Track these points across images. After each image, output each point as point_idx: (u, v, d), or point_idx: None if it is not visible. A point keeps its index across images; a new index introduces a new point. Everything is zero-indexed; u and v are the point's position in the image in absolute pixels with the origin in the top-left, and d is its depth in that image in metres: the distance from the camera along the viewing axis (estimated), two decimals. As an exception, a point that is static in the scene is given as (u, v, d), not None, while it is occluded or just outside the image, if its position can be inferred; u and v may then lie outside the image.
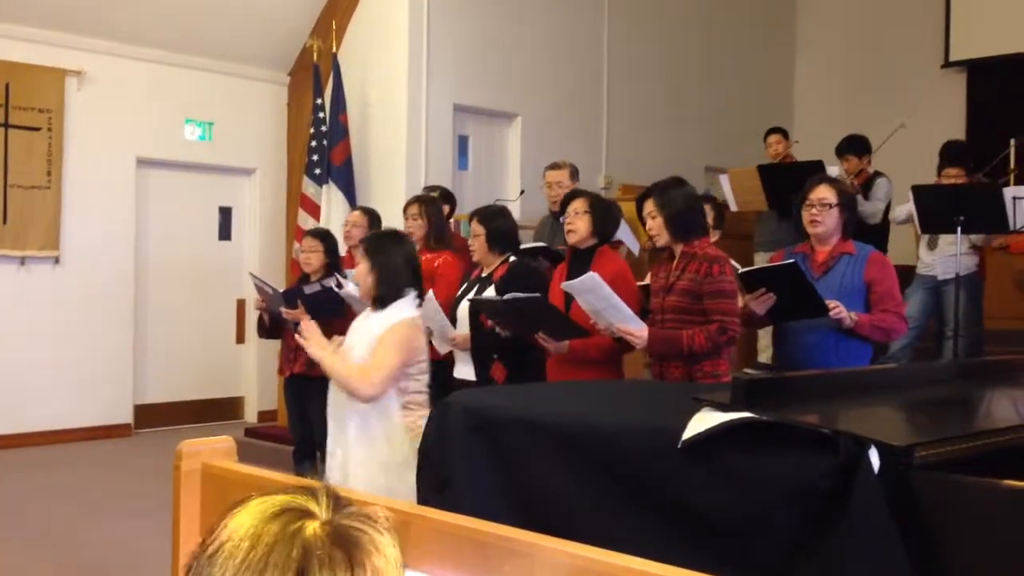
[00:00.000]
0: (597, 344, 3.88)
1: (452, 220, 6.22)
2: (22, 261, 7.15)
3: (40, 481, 6.13)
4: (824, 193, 3.68)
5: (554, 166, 5.59)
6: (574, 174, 5.51)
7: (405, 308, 3.36)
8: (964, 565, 1.62)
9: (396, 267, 3.37)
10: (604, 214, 4.09)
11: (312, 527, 0.89)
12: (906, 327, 3.76)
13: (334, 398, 3.43)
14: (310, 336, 3.35)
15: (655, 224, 3.68)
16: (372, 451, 3.29)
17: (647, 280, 4.06)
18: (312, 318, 4.91)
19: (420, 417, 3.22)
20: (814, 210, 3.68)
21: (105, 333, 7.47)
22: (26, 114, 7.10)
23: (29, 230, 7.13)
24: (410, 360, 3.34)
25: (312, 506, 0.92)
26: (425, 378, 3.43)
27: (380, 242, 3.49)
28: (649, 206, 3.70)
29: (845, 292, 3.58)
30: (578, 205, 4.08)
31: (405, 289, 3.38)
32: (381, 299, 3.37)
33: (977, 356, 5.92)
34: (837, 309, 3.50)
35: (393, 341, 3.27)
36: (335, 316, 5.08)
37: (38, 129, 7.16)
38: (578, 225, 4.04)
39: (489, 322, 4.21)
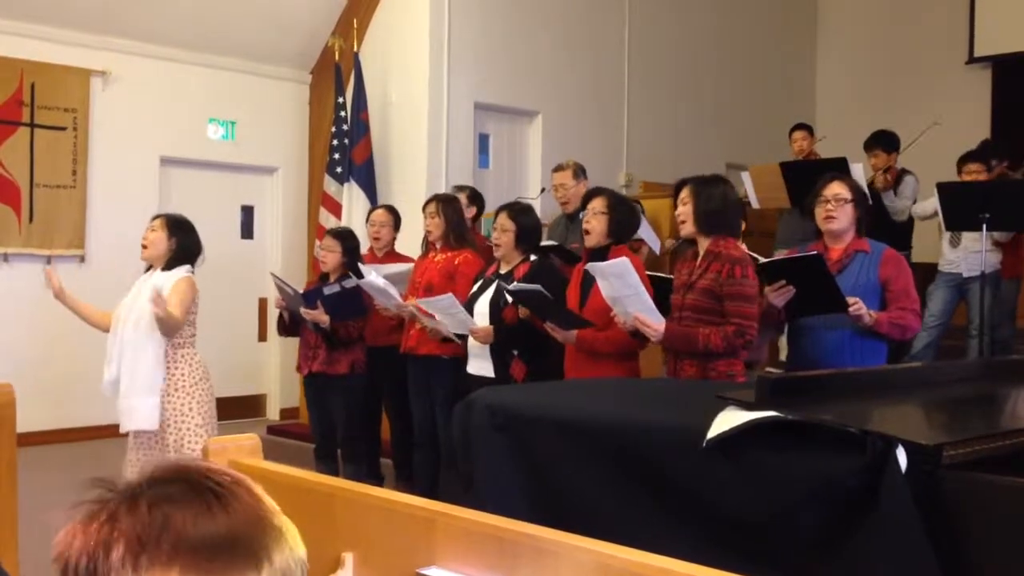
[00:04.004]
0: (607, 337, 3.86)
1: (481, 219, 6.22)
2: (48, 260, 7.20)
3: (65, 478, 6.16)
4: (838, 189, 3.66)
5: (558, 168, 5.56)
6: (578, 173, 5.47)
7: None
8: (992, 564, 1.60)
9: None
10: (622, 215, 4.02)
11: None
12: (920, 324, 3.72)
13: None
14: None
15: (684, 211, 3.63)
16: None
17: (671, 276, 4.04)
18: (332, 318, 4.96)
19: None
20: (829, 205, 3.65)
21: (129, 331, 7.52)
22: (51, 114, 7.16)
23: (55, 229, 7.20)
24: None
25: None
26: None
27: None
28: (684, 193, 3.66)
29: (860, 290, 3.53)
30: (596, 204, 4.01)
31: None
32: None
33: (1005, 355, 5.86)
34: (857, 305, 3.44)
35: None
36: (355, 316, 5.06)
37: (63, 129, 7.23)
38: (594, 225, 3.97)
39: (522, 311, 4.20)
